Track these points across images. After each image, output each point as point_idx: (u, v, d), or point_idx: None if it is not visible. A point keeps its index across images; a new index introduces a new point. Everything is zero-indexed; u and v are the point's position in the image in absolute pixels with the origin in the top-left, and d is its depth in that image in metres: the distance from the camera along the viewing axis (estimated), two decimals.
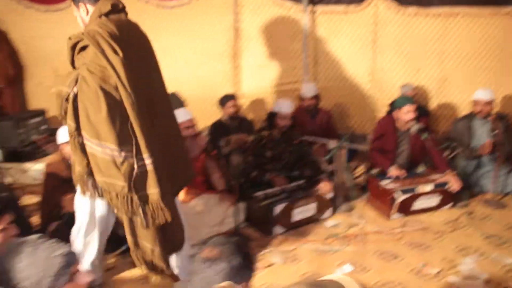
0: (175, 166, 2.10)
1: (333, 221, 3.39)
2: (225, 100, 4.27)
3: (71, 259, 1.27)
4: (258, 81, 4.86)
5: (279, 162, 3.59)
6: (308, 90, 4.35)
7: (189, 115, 3.17)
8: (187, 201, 3.10)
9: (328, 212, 3.41)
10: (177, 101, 3.77)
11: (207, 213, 3.06)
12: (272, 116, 3.66)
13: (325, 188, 3.47)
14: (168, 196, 2.03)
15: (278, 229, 3.17)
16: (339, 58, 4.76)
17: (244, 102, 4.88)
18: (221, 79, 4.90)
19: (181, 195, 3.03)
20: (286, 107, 3.60)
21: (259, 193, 3.17)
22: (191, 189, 3.11)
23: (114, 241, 2.52)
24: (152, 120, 1.98)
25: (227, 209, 3.14)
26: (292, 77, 4.89)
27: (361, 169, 4.10)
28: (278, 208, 3.18)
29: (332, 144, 3.69)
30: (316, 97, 4.45)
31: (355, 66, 4.72)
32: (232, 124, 4.38)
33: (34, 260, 1.22)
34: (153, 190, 1.93)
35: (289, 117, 3.59)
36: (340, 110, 4.99)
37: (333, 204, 3.49)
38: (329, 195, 3.51)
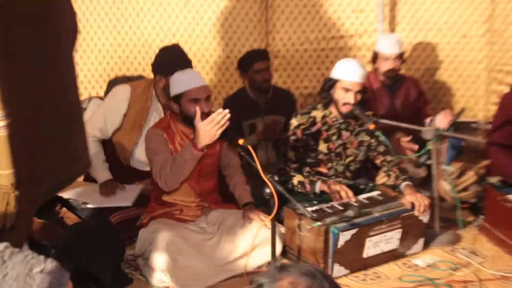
0: (59, 146, 2.16)
1: (427, 259, 3.31)
2: (251, 59, 4.28)
3: (60, 279, 1.28)
4: (300, 32, 4.99)
5: (339, 161, 3.58)
6: (389, 44, 4.25)
7: (202, 80, 3.09)
8: (189, 219, 3.17)
9: (418, 245, 3.36)
10: (180, 59, 3.64)
11: (225, 240, 3.07)
12: (330, 86, 3.46)
13: (418, 205, 3.28)
14: (34, 189, 2.03)
15: (339, 270, 3.04)
16: None
17: (278, 65, 5.01)
18: (244, 27, 4.96)
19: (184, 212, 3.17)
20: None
21: (307, 210, 3.01)
22: (192, 199, 3.20)
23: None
24: (30, 62, 1.99)
25: (256, 233, 3.02)
26: (356, 26, 4.97)
27: (471, 176, 3.89)
28: (342, 237, 3.01)
29: (427, 134, 3.47)
30: (401, 57, 4.28)
31: (462, 9, 4.80)
32: (261, 100, 4.30)
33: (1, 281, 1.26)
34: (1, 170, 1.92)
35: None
36: (432, 83, 4.99)
37: (427, 232, 3.39)
38: (423, 217, 3.32)
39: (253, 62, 4.24)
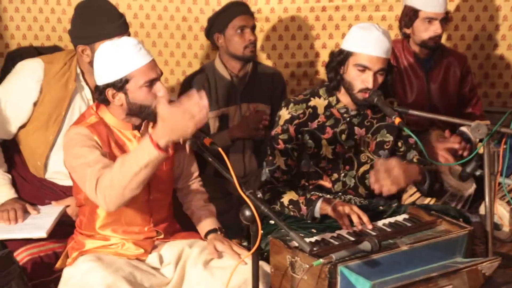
0: None
1: None
2: (230, 13, 4.40)
3: None
4: None
5: (350, 171, 3.66)
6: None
7: (148, 55, 3.10)
8: (135, 257, 3.20)
9: None
10: (112, 16, 3.66)
11: (187, 286, 3.14)
12: (339, 62, 3.52)
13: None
14: None
15: None
16: None
17: (258, 31, 5.04)
18: None
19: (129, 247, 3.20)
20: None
21: (305, 241, 3.02)
22: (140, 227, 3.25)
23: None
24: None
25: (230, 275, 2.97)
26: None
27: None
28: None
29: (477, 131, 3.55)
30: (447, 19, 4.39)
31: None
32: (237, 80, 4.40)
33: None
34: None
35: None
36: (482, 58, 5.09)
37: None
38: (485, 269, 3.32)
39: (233, 15, 4.34)
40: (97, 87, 3.08)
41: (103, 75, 3.02)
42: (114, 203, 2.88)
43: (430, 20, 4.31)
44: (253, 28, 4.37)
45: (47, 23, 5.02)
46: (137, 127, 3.15)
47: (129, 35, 3.58)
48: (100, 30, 3.42)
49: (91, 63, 3.46)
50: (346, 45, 3.53)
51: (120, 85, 3.00)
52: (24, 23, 5.00)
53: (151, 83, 3.04)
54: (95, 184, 2.88)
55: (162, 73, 3.13)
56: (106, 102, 3.10)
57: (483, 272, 3.22)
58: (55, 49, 4.59)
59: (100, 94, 3.07)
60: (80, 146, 2.99)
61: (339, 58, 3.53)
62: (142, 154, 2.79)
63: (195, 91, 2.74)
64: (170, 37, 5.07)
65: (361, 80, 3.47)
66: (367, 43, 3.45)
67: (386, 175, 3.28)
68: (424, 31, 4.34)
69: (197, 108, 2.69)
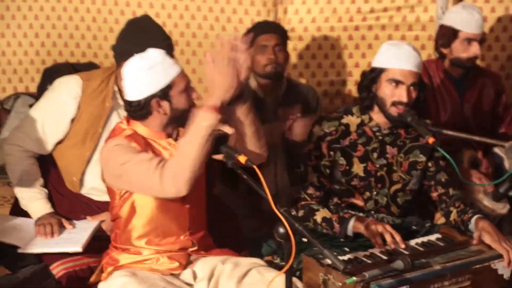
0: None
1: None
2: (255, 31, 4.43)
3: None
4: (323, 3, 5.15)
5: (382, 189, 3.67)
6: (474, 19, 4.35)
7: (178, 67, 3.17)
8: (170, 271, 3.22)
9: None
10: (158, 37, 3.71)
11: None
12: (372, 80, 3.55)
13: (507, 252, 3.34)
14: None
15: None
16: None
17: (292, 50, 5.08)
18: None
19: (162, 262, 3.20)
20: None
21: (338, 259, 3.03)
22: (176, 236, 3.25)
23: None
24: None
25: None
26: None
27: None
28: None
29: (510, 151, 3.54)
30: (482, 40, 4.40)
31: None
32: (269, 97, 4.46)
33: None
34: None
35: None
36: None
37: None
38: (503, 270, 3.34)
39: (257, 34, 4.39)
40: (133, 102, 3.11)
41: (144, 87, 3.06)
42: (185, 185, 2.93)
43: (469, 41, 4.31)
44: (278, 46, 4.43)
45: (83, 40, 5.07)
46: (169, 136, 3.19)
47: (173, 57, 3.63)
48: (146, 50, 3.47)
49: None
50: (377, 63, 3.56)
51: (164, 93, 3.06)
52: (60, 40, 5.06)
53: (188, 87, 3.13)
54: (159, 176, 2.93)
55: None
56: (145, 116, 3.13)
57: (499, 272, 3.29)
58: (90, 65, 4.66)
59: (140, 109, 3.09)
60: (124, 153, 3.03)
61: (371, 76, 3.55)
62: (201, 123, 2.90)
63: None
64: (198, 46, 5.14)
65: (394, 95, 3.50)
66: (399, 58, 3.48)
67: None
68: (463, 52, 4.33)
69: (229, 57, 2.89)
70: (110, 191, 3.22)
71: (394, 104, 3.50)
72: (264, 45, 4.40)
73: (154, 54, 3.11)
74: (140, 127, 3.15)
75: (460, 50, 4.34)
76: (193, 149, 2.89)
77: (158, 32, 3.76)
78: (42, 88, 4.44)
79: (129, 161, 3.01)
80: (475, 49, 4.32)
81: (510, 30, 5.06)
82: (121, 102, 3.71)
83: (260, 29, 4.45)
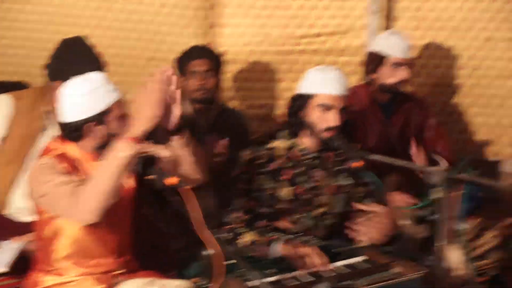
0: None
1: None
2: (186, 57, 4.56)
3: None
4: (257, 27, 5.21)
5: (309, 212, 3.71)
6: (402, 44, 4.46)
7: (117, 93, 3.17)
8: None
9: None
10: (87, 56, 3.73)
11: None
12: (301, 105, 3.60)
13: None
14: None
15: None
16: None
17: (224, 73, 5.11)
18: (176, 17, 5.18)
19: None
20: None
21: (264, 282, 3.07)
22: (103, 259, 3.22)
23: None
24: None
25: None
26: (338, 20, 5.18)
27: (491, 238, 4.07)
28: None
29: (433, 176, 3.59)
30: (410, 65, 4.49)
31: (496, 4, 5.13)
32: (201, 120, 4.48)
33: None
34: None
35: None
36: (441, 105, 5.23)
37: None
38: None
39: (189, 59, 4.47)
40: (68, 124, 3.09)
41: (81, 110, 3.05)
42: (94, 212, 2.91)
43: (397, 65, 4.39)
44: (208, 71, 4.48)
45: (14, 58, 5.04)
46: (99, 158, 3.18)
47: None
48: (80, 69, 3.44)
49: None
50: (305, 89, 3.62)
51: (100, 118, 3.06)
52: None
53: (126, 114, 3.12)
54: (73, 200, 2.91)
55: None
56: (78, 138, 3.12)
57: None
58: (20, 84, 4.60)
59: (75, 130, 3.08)
60: (49, 173, 3.01)
61: (300, 102, 3.60)
62: (118, 154, 2.89)
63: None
64: (132, 66, 5.16)
65: (325, 120, 3.54)
66: (327, 83, 3.55)
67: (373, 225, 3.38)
68: (391, 77, 4.40)
69: (152, 87, 2.92)
70: (36, 209, 3.19)
71: (324, 129, 3.55)
72: (194, 71, 4.44)
73: (95, 78, 3.11)
74: (72, 148, 3.14)
75: (388, 75, 4.41)
76: (106, 179, 2.88)
77: (90, 52, 3.75)
78: None
79: (51, 180, 2.99)
80: (403, 73, 4.40)
81: (437, 58, 5.18)
82: (51, 123, 3.69)
83: (191, 54, 4.51)
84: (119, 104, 3.12)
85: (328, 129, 3.55)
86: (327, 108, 3.55)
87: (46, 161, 3.08)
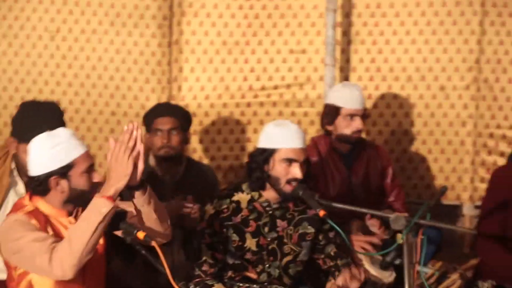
0: None
1: None
2: (151, 114, 4.59)
3: None
4: (217, 80, 5.30)
5: (274, 262, 3.74)
6: (355, 96, 4.53)
7: (82, 147, 3.18)
8: None
9: None
10: (53, 118, 3.75)
11: None
12: (264, 160, 3.63)
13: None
14: None
15: None
16: (400, 35, 5.26)
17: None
18: (138, 71, 5.25)
19: None
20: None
21: None
22: None
23: None
24: None
25: None
26: (296, 72, 5.31)
27: (455, 280, 4.04)
28: None
29: (396, 222, 3.61)
30: (364, 116, 4.57)
31: (440, 51, 5.23)
32: (167, 178, 4.51)
33: None
34: None
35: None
36: (398, 152, 5.35)
37: None
38: None
39: (154, 117, 4.49)
40: (33, 178, 3.10)
41: (45, 164, 3.06)
42: (72, 269, 2.91)
43: (351, 116, 4.46)
44: (172, 130, 4.48)
45: None
46: (70, 214, 3.18)
47: None
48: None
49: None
50: (266, 144, 3.66)
51: (64, 172, 3.06)
52: None
53: (90, 169, 3.13)
54: (49, 257, 2.91)
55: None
56: (44, 193, 3.12)
57: None
58: None
59: (39, 184, 3.08)
60: (21, 229, 3.00)
61: (262, 157, 3.64)
62: (95, 212, 2.92)
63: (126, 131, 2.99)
64: (93, 122, 5.19)
65: (289, 173, 3.59)
66: (289, 138, 3.60)
67: None
68: (346, 127, 4.47)
69: (121, 153, 2.93)
70: (7, 266, 3.16)
71: (288, 181, 3.60)
72: (158, 128, 4.45)
73: (60, 133, 3.13)
74: (41, 204, 3.14)
75: (343, 126, 4.48)
76: (83, 236, 2.90)
77: (51, 111, 3.78)
78: None
79: (24, 237, 2.99)
80: (357, 123, 4.47)
81: (393, 107, 5.29)
82: (18, 180, 3.69)
83: (156, 112, 4.53)
84: (84, 159, 3.13)
85: (291, 181, 3.60)
86: (290, 161, 3.60)
87: (18, 217, 3.08)
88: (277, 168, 3.61)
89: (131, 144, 2.96)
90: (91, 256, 2.95)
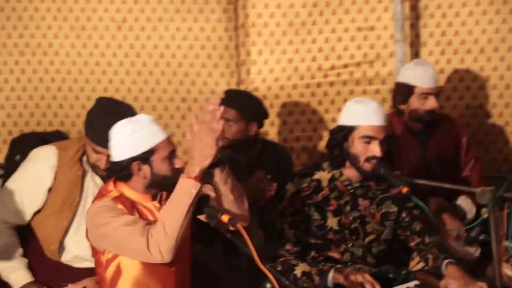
0: None
1: None
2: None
3: None
4: (285, 62, 5.26)
5: (356, 241, 3.74)
6: (430, 75, 4.50)
7: (163, 134, 3.20)
8: None
9: None
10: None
11: None
12: (343, 137, 3.61)
13: None
14: None
15: None
16: (470, 6, 5.18)
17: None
18: (206, 57, 5.22)
19: None
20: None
21: None
22: None
23: None
24: None
25: None
26: (365, 49, 5.25)
27: None
28: None
29: (482, 196, 3.56)
30: (438, 94, 4.54)
31: None
32: (240, 155, 4.43)
33: None
34: None
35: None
36: (475, 126, 5.26)
37: None
38: None
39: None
40: (115, 163, 3.14)
41: (127, 149, 3.09)
42: (169, 252, 2.97)
43: (425, 95, 4.43)
44: (227, 120, 4.39)
45: (49, 109, 5.11)
46: (154, 198, 3.21)
47: None
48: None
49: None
50: (346, 121, 3.63)
51: (145, 157, 3.09)
52: (26, 110, 5.09)
53: (172, 155, 3.15)
54: (146, 241, 2.96)
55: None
56: (127, 178, 3.15)
57: None
58: (57, 134, 4.65)
59: (122, 170, 3.12)
60: (109, 214, 3.05)
61: (342, 134, 3.61)
62: (184, 193, 2.96)
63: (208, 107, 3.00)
64: (164, 109, 5.19)
65: (368, 151, 3.57)
66: (369, 115, 3.57)
67: None
68: (420, 106, 4.45)
69: (203, 133, 2.96)
70: (95, 252, 3.21)
71: (368, 159, 3.58)
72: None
73: (141, 118, 3.17)
74: (126, 189, 3.17)
75: (417, 105, 4.46)
76: (176, 219, 2.93)
77: (130, 111, 3.76)
78: (10, 158, 4.43)
79: (114, 221, 3.03)
80: (431, 102, 4.45)
81: (467, 80, 5.20)
82: (92, 172, 3.77)
83: (222, 100, 4.49)
84: (166, 145, 3.14)
85: (370, 159, 3.58)
86: (369, 139, 3.57)
87: (104, 203, 3.12)
88: (357, 146, 3.58)
89: (214, 124, 2.95)
90: (183, 236, 2.99)
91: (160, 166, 3.11)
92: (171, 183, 3.07)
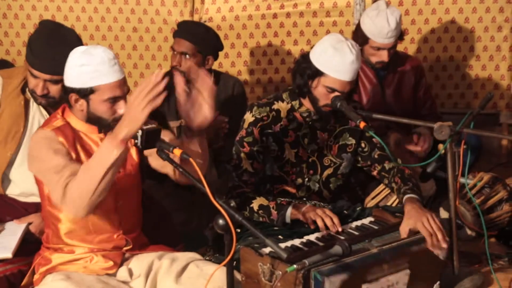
0: None
1: None
2: (174, 35, 4.55)
3: None
4: None
5: (313, 175, 3.71)
6: (385, 30, 4.40)
7: (120, 72, 3.07)
8: (104, 271, 3.19)
9: None
10: (68, 40, 3.59)
11: None
12: (310, 75, 3.51)
13: (429, 233, 3.40)
14: None
15: None
16: None
17: None
18: None
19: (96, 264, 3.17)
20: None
21: (281, 248, 3.00)
22: (109, 234, 3.22)
23: None
24: None
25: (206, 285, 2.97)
26: None
27: (499, 191, 4.05)
28: (329, 285, 3.05)
29: (440, 132, 3.56)
30: (394, 48, 4.49)
31: None
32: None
33: None
34: None
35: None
36: (432, 61, 5.26)
37: (443, 274, 3.47)
38: (440, 253, 3.41)
39: (174, 36, 4.45)
40: (64, 87, 3.06)
41: (72, 79, 2.99)
42: (83, 209, 2.87)
43: (378, 49, 4.44)
44: (184, 54, 4.40)
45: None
46: (100, 131, 3.12)
47: None
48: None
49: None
50: (318, 62, 3.51)
51: (84, 94, 2.99)
52: None
53: (114, 100, 3.02)
54: (62, 193, 2.87)
55: (129, 91, 3.10)
56: (70, 105, 3.08)
57: (435, 254, 3.35)
58: (4, 63, 4.53)
59: (65, 94, 3.06)
60: (46, 150, 2.97)
61: (310, 71, 3.52)
62: (105, 154, 2.82)
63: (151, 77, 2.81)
64: (145, 49, 5.17)
65: (329, 99, 3.51)
66: (340, 68, 3.46)
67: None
68: (371, 56, 4.48)
69: (140, 98, 2.76)
70: (38, 181, 3.13)
71: (327, 105, 3.53)
72: (174, 49, 4.41)
73: (95, 53, 3.01)
74: (73, 119, 3.09)
75: (369, 54, 4.48)
76: (94, 177, 2.82)
77: (72, 36, 3.65)
78: None
79: (46, 162, 2.96)
80: (382, 57, 4.46)
81: (425, 13, 5.23)
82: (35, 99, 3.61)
83: (176, 32, 4.48)
84: (111, 88, 3.02)
85: (328, 105, 3.52)
86: (332, 91, 3.50)
87: (45, 134, 3.04)
88: (319, 90, 3.53)
89: (154, 92, 2.79)
90: (103, 196, 2.89)
91: (97, 107, 3.01)
92: (110, 126, 2.98)
